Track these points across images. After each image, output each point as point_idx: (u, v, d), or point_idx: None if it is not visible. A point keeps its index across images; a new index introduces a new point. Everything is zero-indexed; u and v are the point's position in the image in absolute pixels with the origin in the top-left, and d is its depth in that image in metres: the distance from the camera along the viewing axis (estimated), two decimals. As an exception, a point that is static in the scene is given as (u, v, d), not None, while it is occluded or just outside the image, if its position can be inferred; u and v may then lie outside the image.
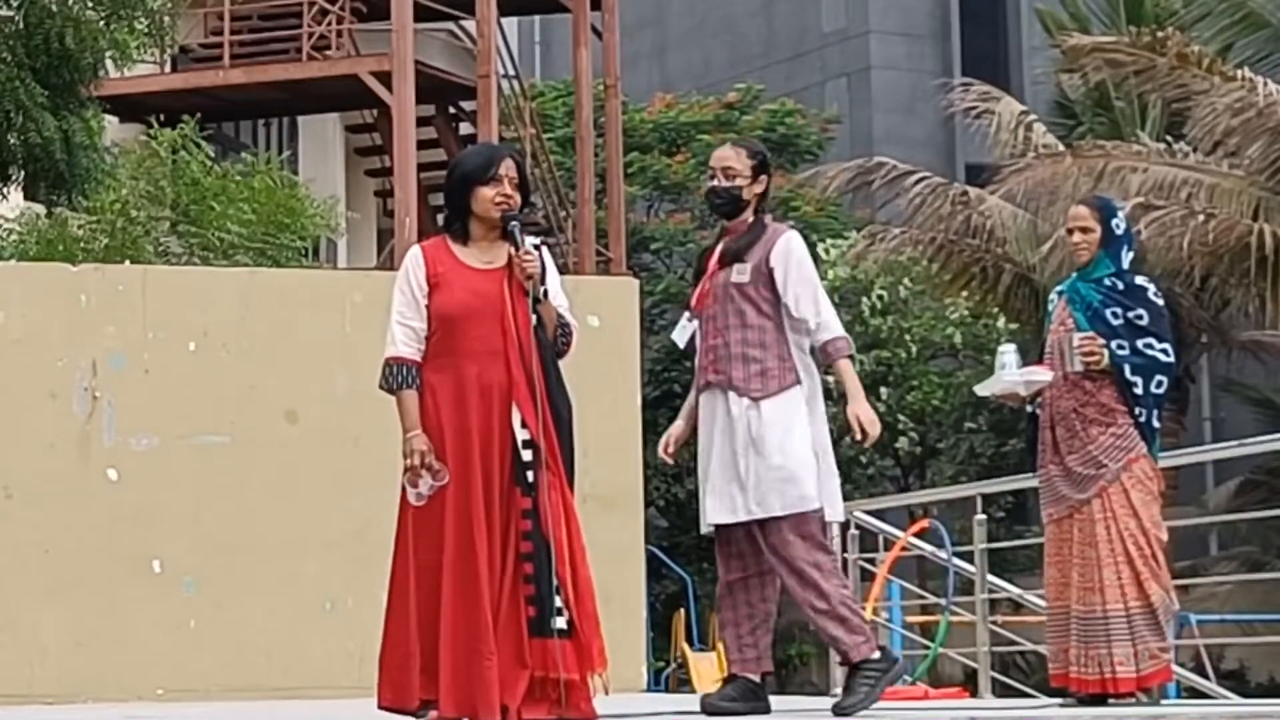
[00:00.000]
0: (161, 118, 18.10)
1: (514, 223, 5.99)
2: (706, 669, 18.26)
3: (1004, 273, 20.34)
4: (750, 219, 6.86)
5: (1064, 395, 7.30)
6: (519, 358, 5.88)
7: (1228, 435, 21.22)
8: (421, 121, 20.53)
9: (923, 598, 14.96)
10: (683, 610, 20.59)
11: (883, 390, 22.76)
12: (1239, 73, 18.17)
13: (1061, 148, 19.90)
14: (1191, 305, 19.47)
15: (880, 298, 22.99)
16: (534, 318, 5.92)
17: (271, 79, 20.48)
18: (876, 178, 21.09)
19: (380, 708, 5.94)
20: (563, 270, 6.13)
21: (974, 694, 10.48)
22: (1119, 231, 7.39)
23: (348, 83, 19.75)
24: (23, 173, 13.22)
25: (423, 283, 5.97)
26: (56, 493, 9.52)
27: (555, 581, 5.77)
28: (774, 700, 6.97)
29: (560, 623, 5.78)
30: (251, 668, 9.61)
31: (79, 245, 16.26)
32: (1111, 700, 7.15)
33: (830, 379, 7.18)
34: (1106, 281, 7.34)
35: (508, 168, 6.02)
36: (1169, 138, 19.32)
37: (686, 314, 6.96)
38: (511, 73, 21.98)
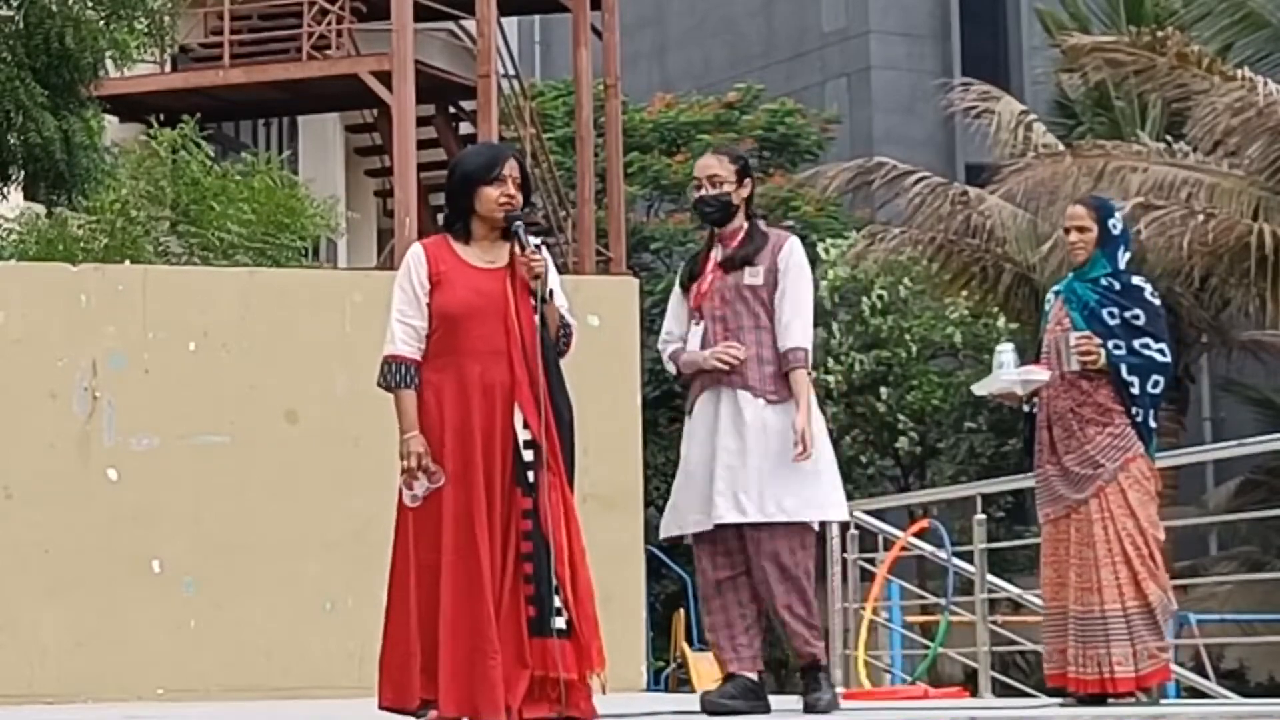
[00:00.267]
0: (161, 118, 18.10)
1: (518, 223, 6.01)
2: (706, 669, 18.22)
3: (1004, 272, 20.34)
4: (744, 224, 6.92)
5: (1061, 395, 7.30)
6: (522, 357, 5.89)
7: (1228, 435, 21.22)
8: (421, 121, 20.53)
9: (923, 598, 14.96)
10: (683, 610, 20.58)
11: (883, 390, 22.77)
12: (1239, 72, 18.17)
13: (1061, 147, 19.90)
14: (1191, 305, 19.46)
15: (880, 297, 22.99)
16: (537, 317, 5.93)
17: (271, 79, 20.48)
18: (876, 178, 21.09)
19: (381, 708, 5.94)
20: (562, 270, 6.16)
21: (974, 694, 10.47)
22: (1116, 231, 7.39)
23: (348, 82, 19.76)
24: (23, 173, 13.22)
25: (424, 281, 5.96)
26: (56, 493, 9.53)
27: (555, 582, 5.77)
28: (772, 699, 6.98)
29: (560, 623, 5.78)
30: (251, 668, 9.61)
31: (79, 245, 16.26)
32: (1111, 700, 7.15)
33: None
34: (1103, 281, 7.34)
35: (511, 168, 6.03)
36: (1169, 137, 19.32)
37: (690, 319, 6.93)
38: (511, 72, 21.98)
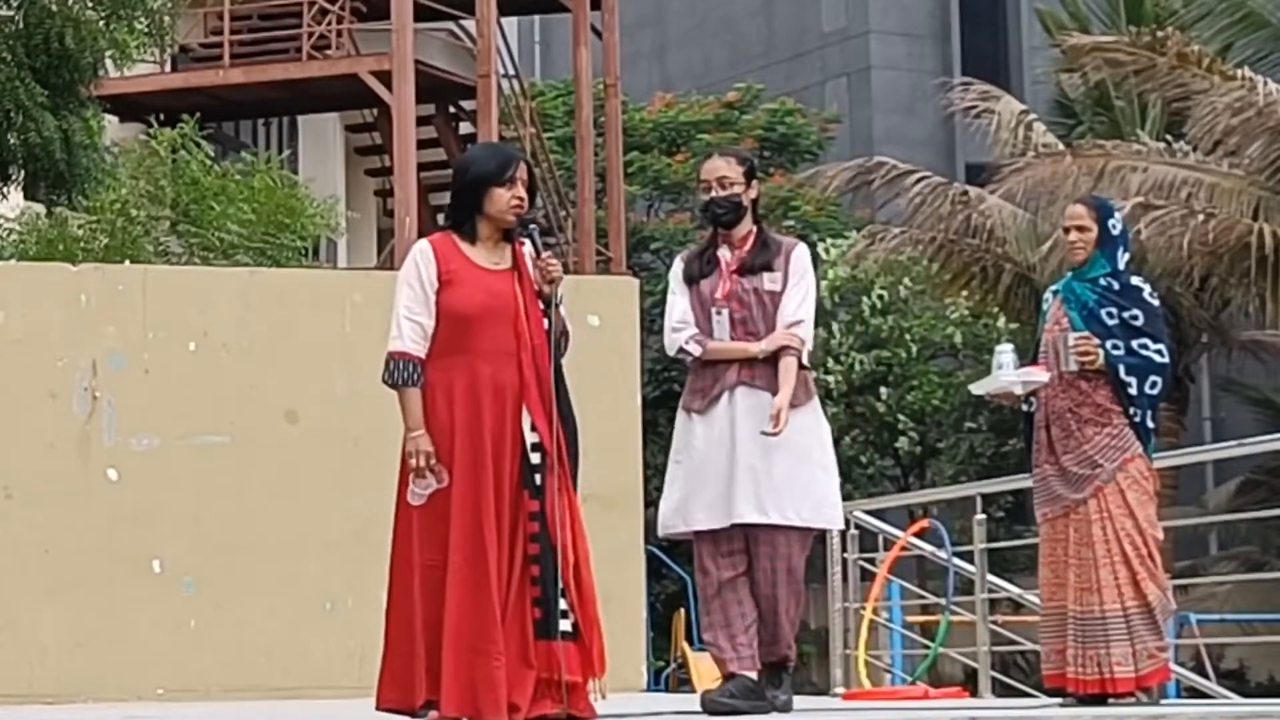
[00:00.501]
0: (161, 117, 18.10)
1: (534, 225, 6.02)
2: (706, 668, 18.19)
3: (1004, 272, 20.33)
4: (752, 227, 6.99)
5: (1059, 395, 7.30)
6: (531, 360, 5.89)
7: (1228, 435, 21.22)
8: (421, 121, 20.53)
9: (923, 598, 14.97)
10: (683, 610, 20.57)
11: (883, 390, 22.77)
12: (1239, 72, 18.17)
13: (1061, 147, 19.90)
14: (1191, 305, 19.46)
15: (880, 297, 22.99)
16: (546, 321, 5.94)
17: (271, 79, 20.49)
18: (876, 177, 21.08)
19: (380, 708, 5.93)
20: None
21: (974, 694, 10.48)
22: (1115, 232, 7.39)
23: (348, 82, 19.76)
24: (23, 172, 13.22)
25: (434, 279, 5.93)
26: (56, 493, 9.52)
27: (561, 584, 5.79)
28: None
29: (566, 625, 5.80)
30: (251, 668, 9.61)
31: (79, 245, 16.25)
32: (1111, 700, 7.15)
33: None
34: (1102, 281, 7.34)
35: (521, 170, 6.05)
36: (1169, 137, 19.32)
37: (714, 309, 6.94)
38: (511, 72, 21.98)
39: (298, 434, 9.88)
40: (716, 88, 28.56)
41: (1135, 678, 7.12)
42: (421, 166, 20.22)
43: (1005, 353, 7.48)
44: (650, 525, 9.39)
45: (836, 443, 7.37)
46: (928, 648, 11.54)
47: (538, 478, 5.86)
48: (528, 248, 6.02)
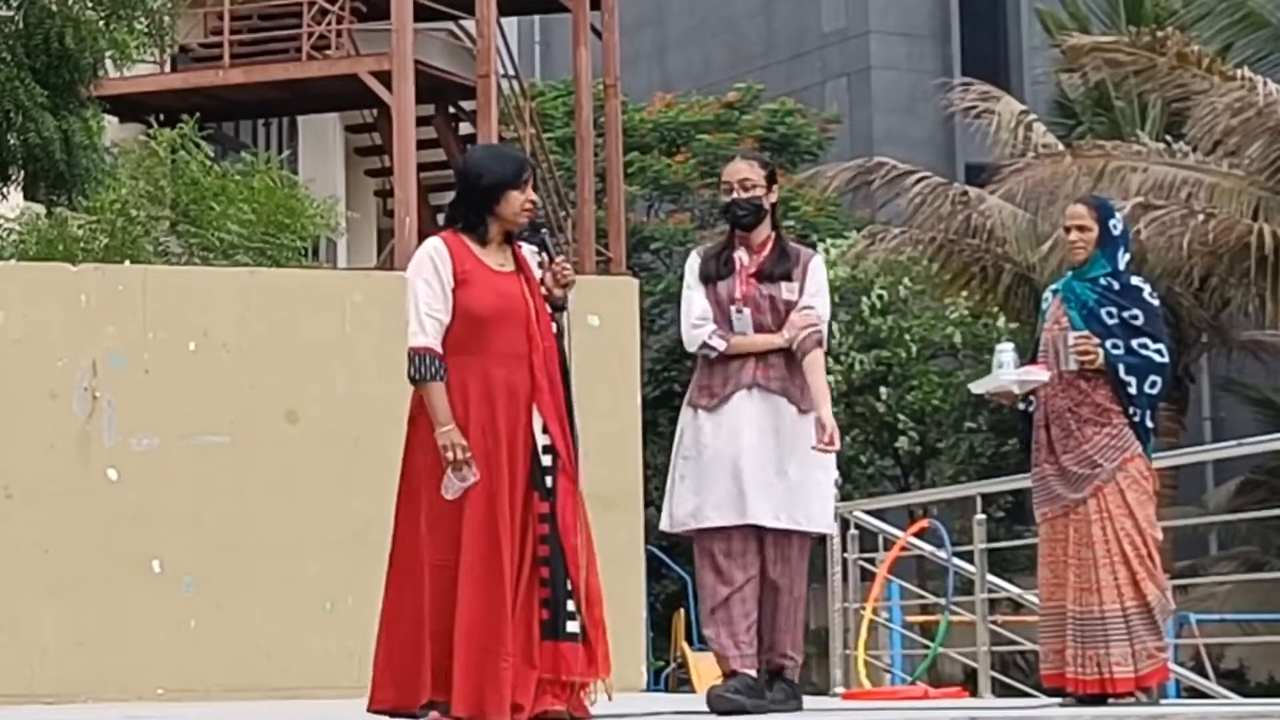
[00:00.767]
0: (161, 117, 18.11)
1: (545, 229, 6.04)
2: (706, 668, 18.22)
3: (1004, 272, 20.35)
4: (771, 232, 7.04)
5: (1059, 394, 7.29)
6: (542, 363, 5.91)
7: (1228, 435, 21.21)
8: (421, 121, 20.54)
9: (923, 598, 14.97)
10: (682, 610, 20.59)
11: (883, 390, 22.77)
12: (1239, 72, 18.18)
13: (1061, 147, 19.91)
14: (1191, 305, 19.47)
15: (880, 297, 22.99)
16: (555, 325, 5.97)
17: (271, 79, 20.49)
18: (876, 178, 21.10)
19: (373, 710, 5.90)
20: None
21: (974, 694, 10.48)
22: (1116, 232, 7.39)
23: (348, 82, 19.77)
24: (23, 173, 13.23)
25: (450, 277, 5.92)
26: (56, 493, 9.52)
27: (569, 586, 5.80)
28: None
29: (573, 626, 5.81)
30: (251, 668, 9.61)
31: (79, 245, 16.26)
32: (1110, 700, 7.15)
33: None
34: (1102, 281, 7.34)
35: (530, 174, 6.07)
36: (1169, 137, 19.33)
37: (734, 307, 6.95)
38: (511, 72, 21.98)
39: (298, 434, 9.88)
40: (716, 88, 28.57)
41: (1135, 678, 7.11)
42: (421, 167, 20.22)
43: (1006, 352, 7.47)
44: (650, 525, 9.39)
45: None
46: (927, 648, 11.54)
47: (548, 480, 5.88)
48: (528, 249, 6.03)
